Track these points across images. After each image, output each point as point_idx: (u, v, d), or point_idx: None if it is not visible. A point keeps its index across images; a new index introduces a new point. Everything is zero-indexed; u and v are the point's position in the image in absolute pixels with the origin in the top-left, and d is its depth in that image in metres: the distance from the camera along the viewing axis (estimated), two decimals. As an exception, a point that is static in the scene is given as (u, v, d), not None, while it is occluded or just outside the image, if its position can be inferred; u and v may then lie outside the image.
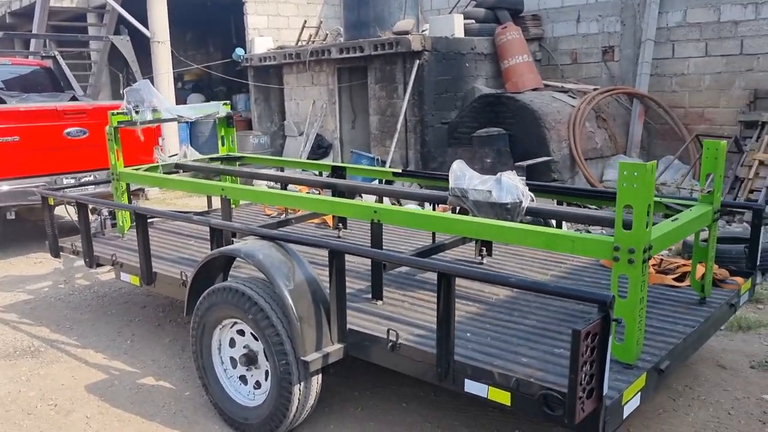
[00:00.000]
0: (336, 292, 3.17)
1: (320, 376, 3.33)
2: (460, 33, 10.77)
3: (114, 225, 5.64)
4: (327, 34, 13.45)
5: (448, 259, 4.32)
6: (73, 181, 7.23)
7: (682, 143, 9.44)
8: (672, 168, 9.17)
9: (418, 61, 10.03)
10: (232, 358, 3.60)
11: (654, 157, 9.85)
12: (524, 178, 3.56)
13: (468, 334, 3.16)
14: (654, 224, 2.83)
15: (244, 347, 3.51)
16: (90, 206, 5.03)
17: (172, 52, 11.88)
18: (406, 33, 10.22)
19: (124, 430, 3.64)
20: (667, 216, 3.43)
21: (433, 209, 5.06)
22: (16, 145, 6.96)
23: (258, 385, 3.50)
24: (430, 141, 10.34)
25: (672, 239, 3.11)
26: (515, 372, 2.74)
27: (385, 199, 5.51)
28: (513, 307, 3.54)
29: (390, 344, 3.05)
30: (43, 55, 9.54)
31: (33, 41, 11.88)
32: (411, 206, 6.53)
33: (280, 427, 3.32)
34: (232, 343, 3.59)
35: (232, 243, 3.99)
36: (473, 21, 11.18)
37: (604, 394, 2.44)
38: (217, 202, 5.81)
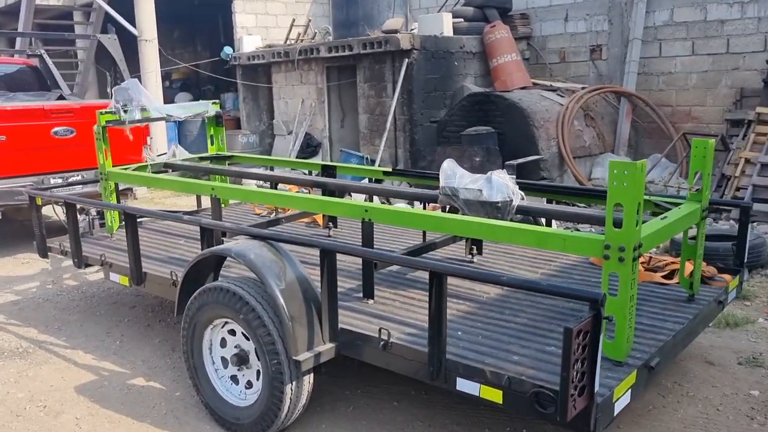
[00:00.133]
0: (327, 292, 3.17)
1: (312, 375, 3.33)
2: (448, 32, 10.78)
3: (102, 225, 5.61)
4: (316, 33, 13.42)
5: (439, 258, 4.33)
6: (60, 180, 7.18)
7: (669, 141, 9.51)
8: (659, 166, 9.23)
9: (407, 60, 10.03)
10: (223, 358, 3.59)
11: (641, 156, 9.92)
12: (514, 176, 3.57)
13: (459, 333, 3.17)
14: (643, 222, 2.85)
15: (236, 347, 3.50)
16: (78, 206, 4.99)
17: (159, 50, 11.82)
18: (395, 32, 10.22)
19: (115, 431, 3.62)
20: (655, 214, 3.46)
21: (424, 208, 5.07)
22: (2, 144, 6.90)
23: (249, 384, 3.50)
24: (420, 140, 10.35)
25: (661, 237, 3.13)
26: (507, 370, 2.75)
27: (375, 198, 5.52)
28: (504, 305, 3.56)
29: (382, 343, 3.05)
30: (30, 53, 9.48)
31: (19, 40, 11.77)
32: (401, 205, 6.54)
33: (272, 427, 3.31)
34: (223, 343, 3.58)
35: (223, 243, 3.98)
36: (462, 20, 11.20)
37: (595, 391, 2.46)
38: (206, 202, 5.79)
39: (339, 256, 3.24)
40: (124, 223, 4.36)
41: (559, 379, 2.39)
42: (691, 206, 3.45)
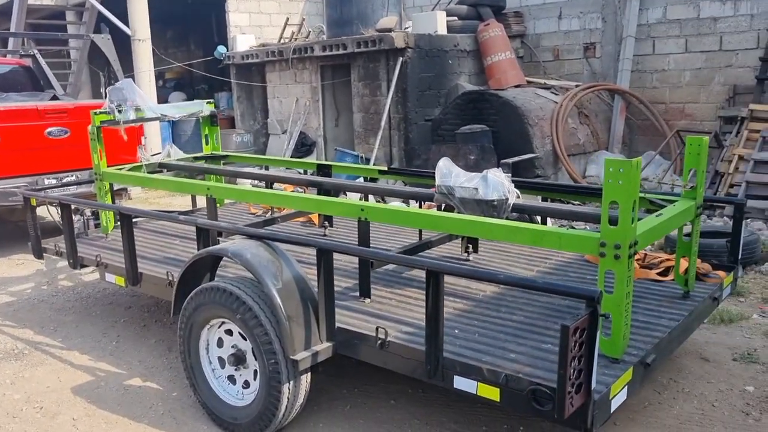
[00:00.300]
0: (324, 291, 3.18)
1: (309, 374, 3.33)
2: (442, 30, 10.79)
3: (98, 225, 5.60)
4: (310, 32, 13.41)
5: (435, 256, 4.34)
6: (55, 181, 7.15)
7: (663, 139, 9.55)
8: (653, 163, 9.27)
9: (401, 59, 10.03)
10: (220, 358, 3.59)
11: (636, 153, 9.95)
12: (510, 175, 3.58)
13: (456, 331, 3.18)
14: (639, 220, 2.87)
15: (233, 347, 3.50)
16: (73, 207, 4.98)
17: (153, 49, 11.78)
18: (389, 30, 10.22)
19: (112, 432, 3.62)
20: (650, 211, 3.48)
21: (420, 207, 5.07)
22: (-4, 145, 6.88)
23: (247, 384, 3.49)
24: (414, 138, 10.36)
25: (657, 234, 3.15)
26: (504, 368, 2.76)
27: (371, 197, 5.52)
28: (500, 303, 3.57)
29: (379, 342, 3.06)
30: (22, 53, 9.43)
31: (11, 39, 11.72)
32: (396, 204, 6.55)
33: (270, 427, 3.32)
34: (220, 343, 3.58)
35: (219, 242, 3.97)
36: (456, 18, 11.21)
37: (592, 388, 2.47)
38: (201, 202, 5.78)
39: (335, 255, 3.24)
40: (119, 223, 4.35)
41: (556, 376, 2.40)
42: (685, 203, 3.46)
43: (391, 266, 4.09)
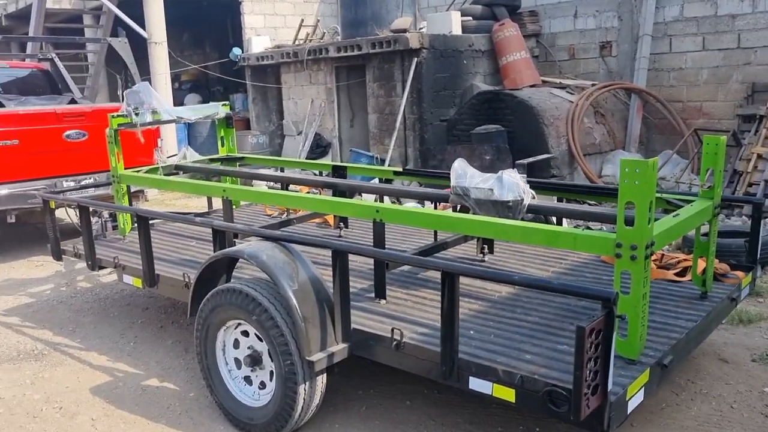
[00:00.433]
0: (340, 292, 3.18)
1: (325, 375, 3.35)
2: (457, 30, 10.78)
3: (115, 227, 5.64)
4: (324, 33, 13.44)
5: (451, 258, 4.33)
6: (73, 183, 7.23)
7: (680, 138, 9.46)
8: (671, 162, 9.19)
9: (416, 59, 10.03)
10: (236, 359, 3.61)
11: (653, 152, 9.88)
12: (525, 175, 3.57)
13: (471, 332, 3.18)
14: (655, 220, 2.85)
15: (249, 348, 3.52)
16: (91, 209, 5.03)
17: (169, 52, 11.87)
18: (404, 31, 10.22)
19: (130, 432, 3.65)
20: (667, 211, 3.45)
21: (435, 208, 5.07)
22: (15, 148, 6.96)
23: (263, 385, 3.51)
24: (429, 139, 10.36)
25: (674, 235, 3.13)
26: (519, 369, 2.75)
27: (386, 198, 5.53)
28: (515, 304, 3.56)
29: (394, 343, 3.06)
30: (41, 57, 9.53)
31: (30, 44, 11.85)
32: (411, 205, 6.55)
33: (286, 427, 3.33)
34: (236, 344, 3.60)
35: (235, 244, 4.00)
36: (470, 18, 11.19)
37: (608, 390, 2.46)
38: (217, 203, 5.82)
39: (351, 257, 3.25)
40: (136, 225, 4.39)
41: (571, 377, 2.39)
42: (703, 203, 3.44)
43: (406, 267, 4.09)
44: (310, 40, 13.04)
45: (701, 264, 3.62)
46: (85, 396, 4.09)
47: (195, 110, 6.00)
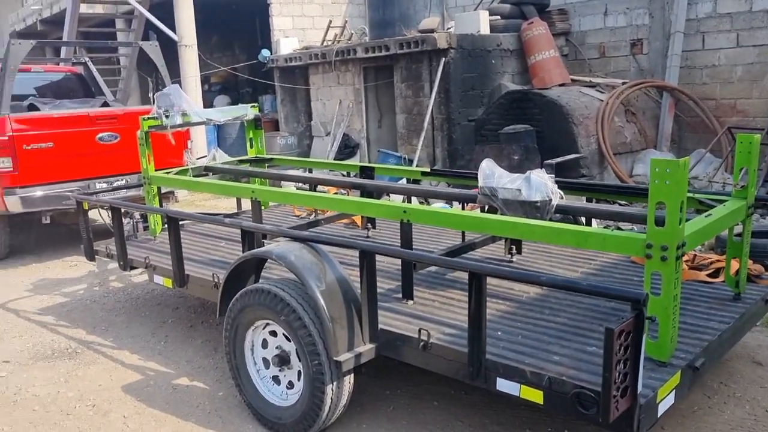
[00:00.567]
0: (367, 293, 3.19)
1: (352, 375, 3.36)
2: (485, 30, 10.73)
3: (146, 228, 5.73)
4: (352, 34, 13.48)
5: (478, 258, 4.32)
6: (105, 185, 7.35)
7: (713, 136, 9.30)
8: (704, 161, 9.04)
9: (443, 59, 10.01)
10: (264, 359, 3.64)
11: (685, 151, 9.72)
12: (553, 175, 3.54)
13: (499, 333, 3.16)
14: (687, 220, 2.81)
15: (277, 348, 3.54)
16: (123, 210, 5.11)
17: (198, 54, 12.01)
18: (432, 31, 10.21)
19: (161, 430, 3.70)
20: (700, 211, 3.40)
21: (462, 208, 5.06)
22: (50, 151, 7.10)
23: (291, 385, 3.54)
24: (457, 139, 10.33)
25: (706, 235, 3.08)
26: (547, 370, 2.73)
27: (413, 199, 5.52)
28: (544, 305, 3.53)
29: (421, 344, 3.06)
30: (74, 61, 9.71)
31: (64, 48, 12.08)
32: (439, 205, 6.54)
33: (313, 427, 3.35)
34: (264, 344, 3.63)
35: (263, 245, 4.03)
36: (499, 17, 11.14)
37: (638, 392, 2.43)
38: (246, 204, 5.87)
39: (378, 257, 3.26)
40: (166, 226, 4.44)
41: (600, 379, 2.36)
42: (736, 203, 3.37)
43: (434, 268, 4.09)
44: (338, 41, 13.09)
45: (734, 265, 3.56)
46: (118, 394, 4.16)
47: (224, 112, 6.05)
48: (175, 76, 10.91)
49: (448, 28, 11.40)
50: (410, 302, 3.64)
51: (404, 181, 5.54)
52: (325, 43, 13.35)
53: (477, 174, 3.62)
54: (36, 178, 7.05)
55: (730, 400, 3.67)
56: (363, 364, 3.27)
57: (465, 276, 2.81)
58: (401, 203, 4.19)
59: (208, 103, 15.01)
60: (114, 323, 5.44)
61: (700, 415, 3.53)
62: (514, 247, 4.40)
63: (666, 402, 2.67)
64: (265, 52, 13.72)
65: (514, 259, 4.37)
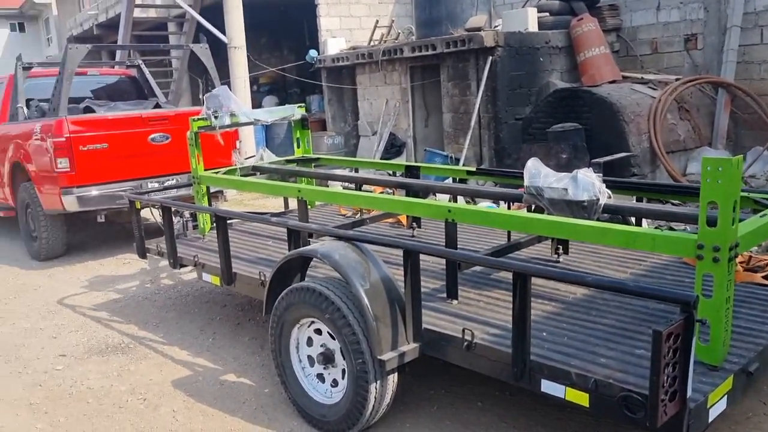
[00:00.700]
0: (411, 292, 3.19)
1: (396, 374, 3.36)
2: (534, 27, 10.60)
3: (195, 227, 5.84)
4: (399, 33, 13.49)
5: (524, 258, 4.27)
6: (157, 185, 7.51)
7: (771, 133, 9.00)
8: (761, 159, 8.75)
9: (491, 58, 9.93)
10: (309, 357, 3.67)
11: (741, 149, 9.42)
12: (601, 174, 3.47)
13: (544, 334, 3.12)
14: (741, 220, 2.72)
15: (322, 346, 3.57)
16: (173, 209, 5.22)
17: (248, 56, 12.18)
18: (479, 29, 10.14)
19: (208, 425, 3.77)
20: (756, 211, 3.29)
21: (508, 207, 5.01)
22: (105, 151, 7.30)
23: (335, 383, 3.56)
24: (504, 137, 10.23)
25: (761, 236, 2.97)
26: (594, 372, 2.68)
27: (460, 198, 5.49)
28: (591, 306, 3.47)
29: (465, 343, 3.04)
30: (128, 64, 9.97)
31: (118, 52, 12.42)
32: (485, 204, 6.49)
33: (357, 425, 3.37)
34: (309, 342, 3.66)
35: (309, 243, 4.07)
36: (547, 14, 10.99)
37: (687, 396, 2.37)
38: (293, 203, 5.94)
39: (423, 257, 3.25)
40: (215, 225, 4.52)
41: (648, 383, 2.31)
42: (794, 203, 3.26)
43: (479, 267, 4.06)
44: (385, 41, 13.11)
45: (792, 267, 3.43)
46: (167, 389, 4.26)
47: (271, 112, 6.13)
48: (225, 77, 11.11)
49: (496, 26, 11.30)
50: (455, 302, 3.63)
51: (450, 180, 5.51)
52: (371, 43, 13.39)
53: (523, 173, 3.58)
54: (91, 178, 7.25)
55: (787, 407, 3.55)
56: (407, 364, 3.26)
57: (510, 276, 2.78)
58: (446, 202, 4.17)
59: (257, 104, 15.21)
60: (164, 320, 5.57)
61: (755, 421, 3.42)
62: (560, 247, 4.33)
63: (717, 407, 2.59)
64: (312, 53, 13.84)
65: (561, 259, 4.30)
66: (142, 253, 5.52)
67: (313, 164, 6.21)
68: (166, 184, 7.39)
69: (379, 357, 3.15)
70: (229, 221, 4.81)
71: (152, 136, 7.60)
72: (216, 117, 5.42)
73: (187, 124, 5.53)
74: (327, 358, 3.53)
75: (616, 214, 3.57)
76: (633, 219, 4.13)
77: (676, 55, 10.64)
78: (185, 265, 5.14)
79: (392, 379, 3.35)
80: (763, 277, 3.75)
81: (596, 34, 10.39)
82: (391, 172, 6.04)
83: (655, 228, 4.26)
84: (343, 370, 3.45)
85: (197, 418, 3.86)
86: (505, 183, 5.05)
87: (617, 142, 8.53)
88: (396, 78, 11.96)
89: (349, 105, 13.61)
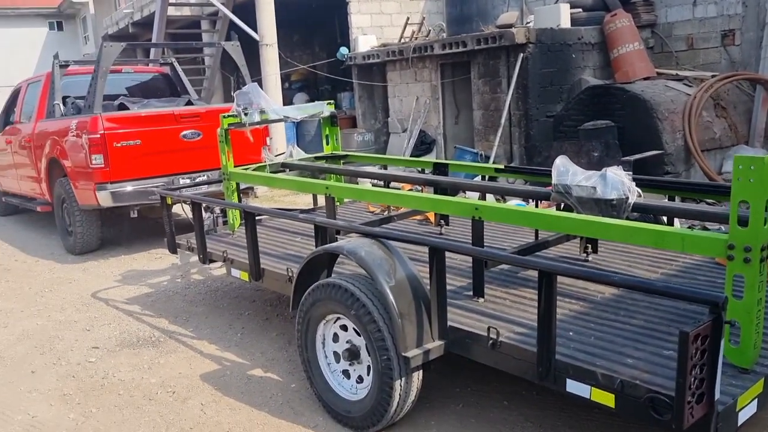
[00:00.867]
0: (437, 289, 3.19)
1: (421, 372, 3.36)
2: (566, 23, 10.49)
3: (225, 222, 5.90)
4: (430, 30, 13.44)
5: (552, 257, 4.23)
6: (188, 181, 7.61)
7: (811, 131, 8.78)
8: (800, 158, 8.53)
9: (522, 55, 9.85)
10: (335, 353, 3.69)
11: (779, 147, 9.21)
12: (630, 172, 3.42)
13: (570, 333, 3.09)
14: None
15: (347, 342, 3.59)
16: (203, 205, 5.28)
17: (279, 53, 12.26)
18: (510, 26, 10.06)
19: (235, 418, 3.81)
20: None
21: (536, 206, 4.96)
22: (138, 148, 7.41)
23: (360, 379, 3.57)
24: (535, 135, 10.14)
25: (794, 236, 2.90)
26: (620, 373, 2.65)
27: (489, 195, 5.46)
28: (619, 306, 3.43)
29: (491, 342, 3.03)
30: (162, 62, 10.10)
31: (152, 50, 12.59)
32: (514, 202, 6.45)
33: (382, 421, 3.38)
34: (335, 338, 3.68)
35: (336, 240, 4.08)
36: (580, 10, 10.86)
37: (715, 399, 2.33)
38: (322, 200, 5.96)
39: (451, 254, 3.24)
40: (244, 221, 4.57)
41: (675, 384, 2.28)
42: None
43: (506, 266, 4.03)
44: (416, 38, 13.08)
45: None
46: (196, 382, 4.32)
47: (301, 109, 6.16)
48: (256, 74, 11.20)
49: (527, 23, 11.21)
50: (481, 300, 3.61)
51: (479, 178, 5.49)
52: (402, 40, 13.37)
53: (551, 171, 3.55)
54: (125, 174, 7.38)
55: (821, 412, 3.46)
56: (432, 361, 3.26)
57: (537, 274, 2.77)
58: (473, 200, 4.15)
59: (288, 101, 15.31)
60: (194, 314, 5.64)
61: (787, 425, 3.35)
62: (589, 246, 4.29)
63: (747, 411, 2.54)
64: (343, 50, 13.87)
65: (590, 258, 4.26)
66: (173, 248, 5.60)
67: (341, 161, 6.22)
68: (197, 180, 7.49)
69: (403, 354, 3.16)
70: (257, 217, 4.85)
71: (184, 132, 7.70)
72: (246, 114, 5.47)
73: (218, 121, 5.59)
74: (352, 355, 3.55)
75: (646, 212, 3.52)
76: (665, 218, 4.08)
77: (713, 51, 10.43)
78: (214, 261, 5.20)
79: (417, 377, 3.35)
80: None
81: (630, 29, 10.24)
82: (419, 170, 6.03)
83: (688, 227, 4.18)
84: (369, 367, 3.46)
85: (224, 411, 3.91)
86: (535, 181, 5.01)
87: (651, 140, 8.40)
88: (426, 75, 11.93)
89: (379, 102, 13.61)
